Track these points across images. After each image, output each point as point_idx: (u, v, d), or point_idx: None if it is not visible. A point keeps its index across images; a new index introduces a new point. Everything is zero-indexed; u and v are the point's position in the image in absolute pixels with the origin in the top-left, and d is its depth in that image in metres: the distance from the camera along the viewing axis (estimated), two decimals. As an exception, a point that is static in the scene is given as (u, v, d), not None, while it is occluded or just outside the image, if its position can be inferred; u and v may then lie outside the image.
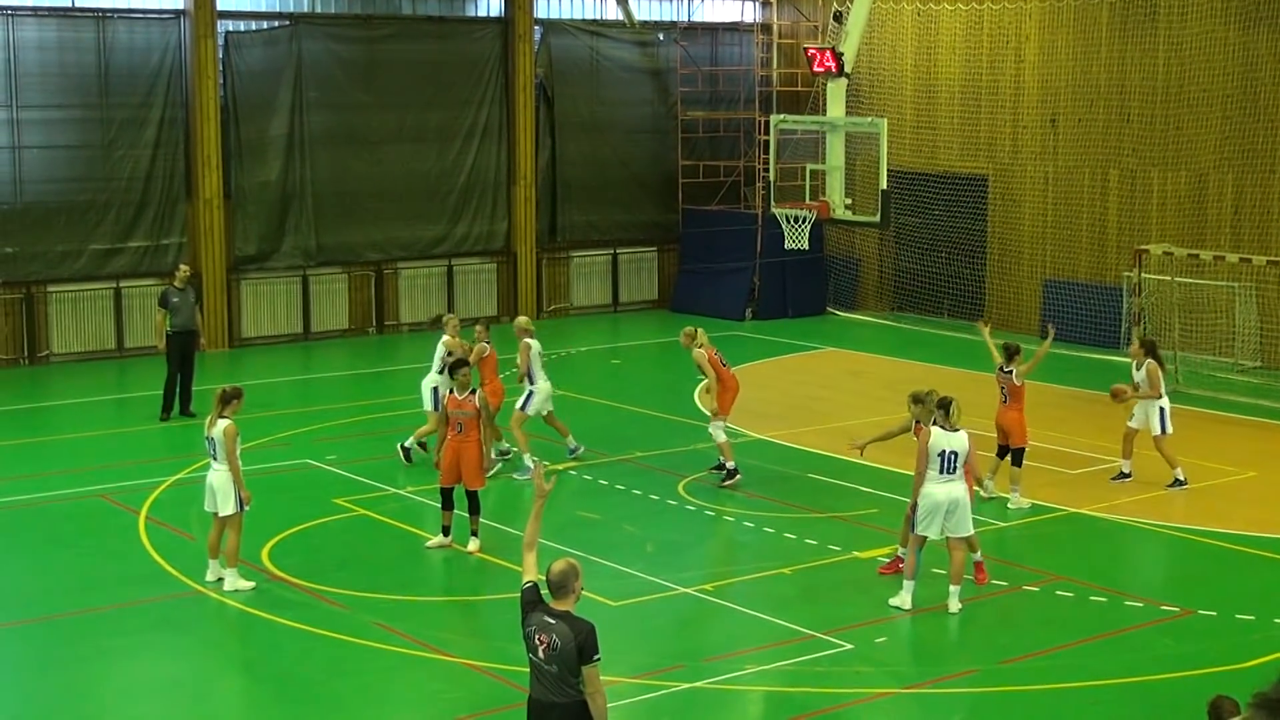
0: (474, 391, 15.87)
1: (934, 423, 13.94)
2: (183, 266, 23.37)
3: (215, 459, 14.58)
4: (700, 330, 18.84)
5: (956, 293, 31.02)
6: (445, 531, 15.94)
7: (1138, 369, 18.63)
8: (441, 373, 18.73)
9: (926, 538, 14.01)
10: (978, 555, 14.78)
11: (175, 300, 22.27)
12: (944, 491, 13.80)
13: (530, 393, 18.99)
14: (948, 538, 14.00)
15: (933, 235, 31.37)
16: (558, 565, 8.92)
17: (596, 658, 8.66)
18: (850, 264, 33.15)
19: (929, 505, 13.83)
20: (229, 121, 28.67)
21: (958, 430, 13.83)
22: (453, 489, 15.81)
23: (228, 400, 14.67)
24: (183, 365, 22.29)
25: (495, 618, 14.12)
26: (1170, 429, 18.35)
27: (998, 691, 12.41)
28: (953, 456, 13.77)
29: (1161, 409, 18.34)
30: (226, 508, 14.53)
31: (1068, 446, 20.35)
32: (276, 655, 13.39)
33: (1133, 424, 18.51)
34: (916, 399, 14.66)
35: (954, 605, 13.95)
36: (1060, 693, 12.42)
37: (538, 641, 8.68)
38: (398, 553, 16.06)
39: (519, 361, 19.10)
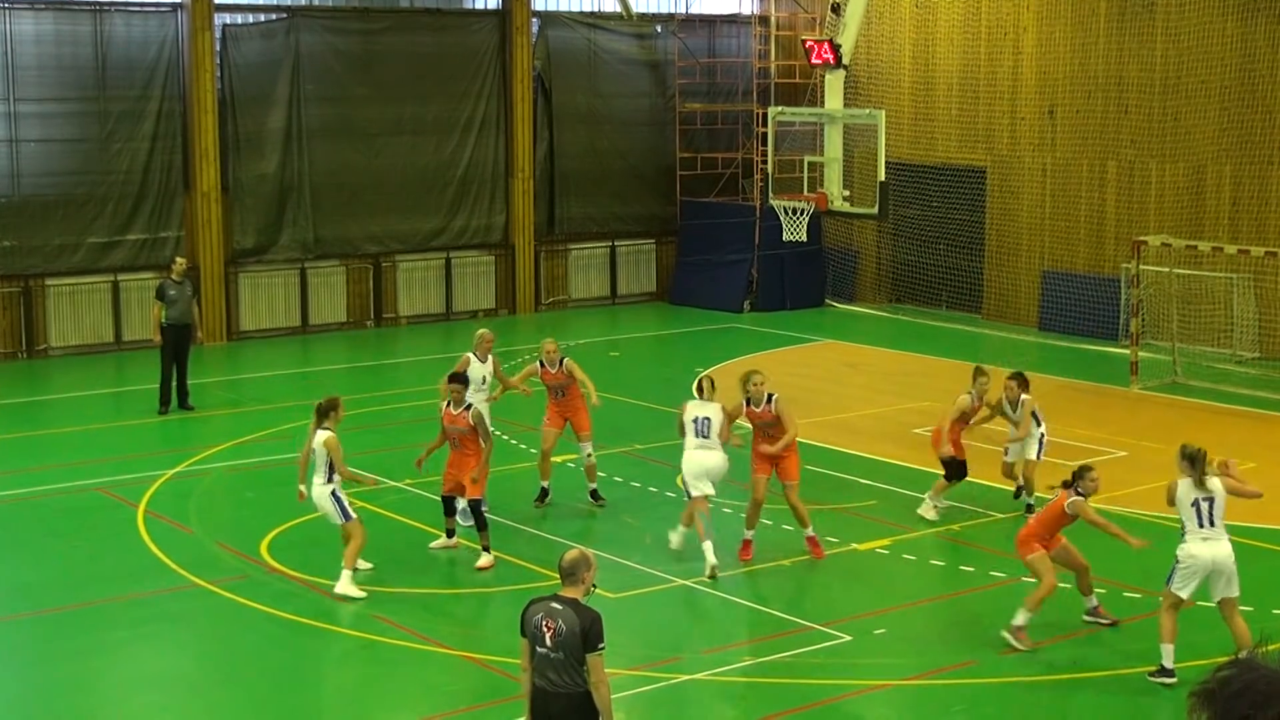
0: (468, 407, 15.28)
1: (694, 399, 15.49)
2: (179, 259, 23.33)
3: (317, 472, 14.42)
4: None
5: (955, 284, 31.02)
6: (449, 533, 15.84)
7: (1014, 407, 16.70)
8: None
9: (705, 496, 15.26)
10: (808, 530, 15.58)
11: (171, 293, 22.23)
12: (700, 457, 15.20)
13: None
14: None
15: (931, 227, 31.35)
16: (571, 554, 9.00)
17: (601, 646, 8.70)
18: (848, 256, 33.14)
19: (693, 469, 15.18)
20: (226, 114, 28.65)
21: (710, 402, 15.41)
22: (454, 497, 15.58)
23: (325, 412, 14.51)
24: (177, 358, 22.25)
25: (495, 610, 14.13)
26: (1043, 456, 16.99)
27: (997, 683, 12.43)
28: (705, 422, 15.20)
29: (1041, 436, 16.96)
30: (338, 519, 14.41)
31: (1065, 438, 20.34)
32: (275, 648, 13.40)
33: (1009, 458, 17.04)
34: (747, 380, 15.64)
35: (674, 540, 15.48)
36: (1059, 684, 12.44)
37: (545, 629, 8.70)
38: (396, 546, 16.05)
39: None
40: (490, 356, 17.24)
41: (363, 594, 14.29)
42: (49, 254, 27.30)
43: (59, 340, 27.50)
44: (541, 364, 17.42)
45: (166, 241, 28.12)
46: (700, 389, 15.50)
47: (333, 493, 14.39)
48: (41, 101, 27.13)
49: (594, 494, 17.56)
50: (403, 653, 13.10)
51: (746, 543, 15.58)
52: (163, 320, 22.17)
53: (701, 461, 15.21)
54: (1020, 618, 13.00)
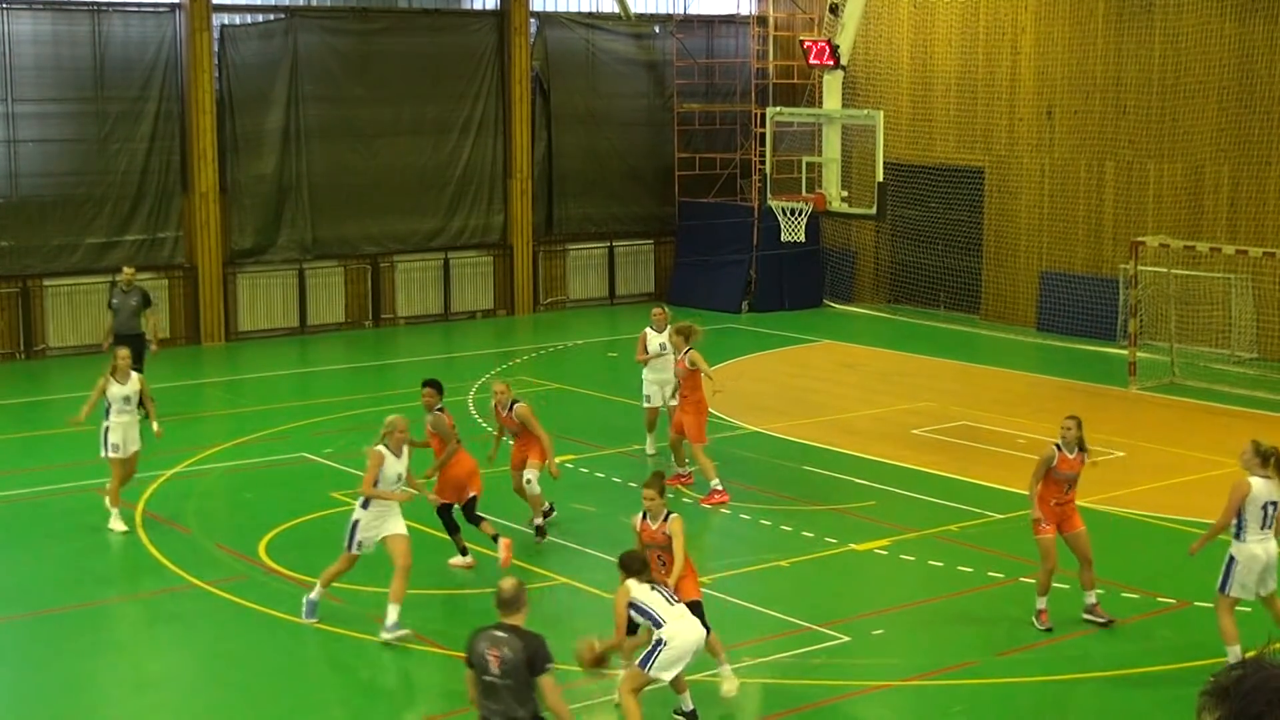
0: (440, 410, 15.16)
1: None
2: (125, 269, 22.89)
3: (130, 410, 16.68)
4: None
5: (953, 285, 31.03)
6: (463, 551, 15.29)
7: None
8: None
9: None
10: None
11: (115, 303, 21.88)
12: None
13: None
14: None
15: (929, 227, 31.36)
16: (509, 583, 9.07)
17: (549, 666, 8.73)
18: (846, 256, 33.15)
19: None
20: (224, 115, 28.63)
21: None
22: (449, 508, 15.14)
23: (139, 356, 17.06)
24: None
25: (491, 611, 14.10)
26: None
27: (996, 683, 12.43)
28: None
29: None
30: (130, 449, 16.74)
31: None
32: (273, 648, 13.39)
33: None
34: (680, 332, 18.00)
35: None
36: (1059, 684, 12.45)
37: (489, 657, 8.73)
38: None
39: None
40: (405, 449, 13.65)
41: (125, 528, 16.23)
42: (47, 254, 27.29)
43: (57, 340, 27.48)
44: (495, 406, 16.34)
45: (164, 242, 28.11)
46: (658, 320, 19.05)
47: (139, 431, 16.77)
48: (39, 102, 27.11)
49: (538, 529, 16.22)
50: (398, 653, 13.09)
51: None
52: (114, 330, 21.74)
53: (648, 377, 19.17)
54: (1039, 602, 13.44)
